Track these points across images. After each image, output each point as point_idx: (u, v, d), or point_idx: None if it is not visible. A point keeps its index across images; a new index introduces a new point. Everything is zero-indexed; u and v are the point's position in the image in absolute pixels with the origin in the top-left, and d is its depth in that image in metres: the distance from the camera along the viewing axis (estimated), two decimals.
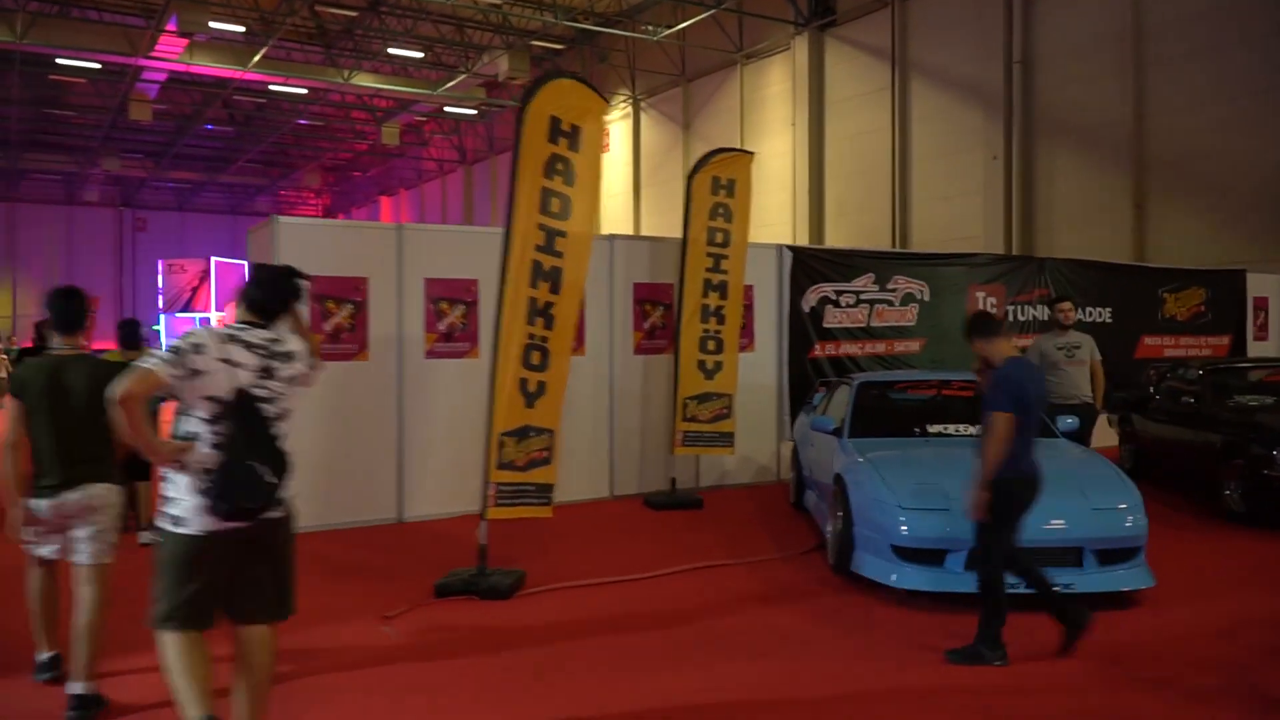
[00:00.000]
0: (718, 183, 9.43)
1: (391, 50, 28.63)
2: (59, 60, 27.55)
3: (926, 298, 11.47)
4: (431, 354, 8.64)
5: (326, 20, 28.68)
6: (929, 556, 5.84)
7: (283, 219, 8.26)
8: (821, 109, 25.01)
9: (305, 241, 8.19)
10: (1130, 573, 5.82)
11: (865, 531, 6.12)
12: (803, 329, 10.66)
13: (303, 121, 38.00)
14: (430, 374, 8.59)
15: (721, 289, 9.46)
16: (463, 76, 29.67)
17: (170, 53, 26.99)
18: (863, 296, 11.07)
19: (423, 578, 6.43)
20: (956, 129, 21.57)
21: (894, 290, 11.26)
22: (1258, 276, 14.46)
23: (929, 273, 11.57)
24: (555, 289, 6.72)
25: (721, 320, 9.47)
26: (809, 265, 10.78)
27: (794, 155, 25.42)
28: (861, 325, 11.03)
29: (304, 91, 31.63)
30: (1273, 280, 14.60)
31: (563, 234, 6.72)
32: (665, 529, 8.30)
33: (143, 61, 27.64)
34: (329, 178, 49.32)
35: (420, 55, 29.74)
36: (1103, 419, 10.98)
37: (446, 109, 33.95)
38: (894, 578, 5.89)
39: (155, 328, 30.97)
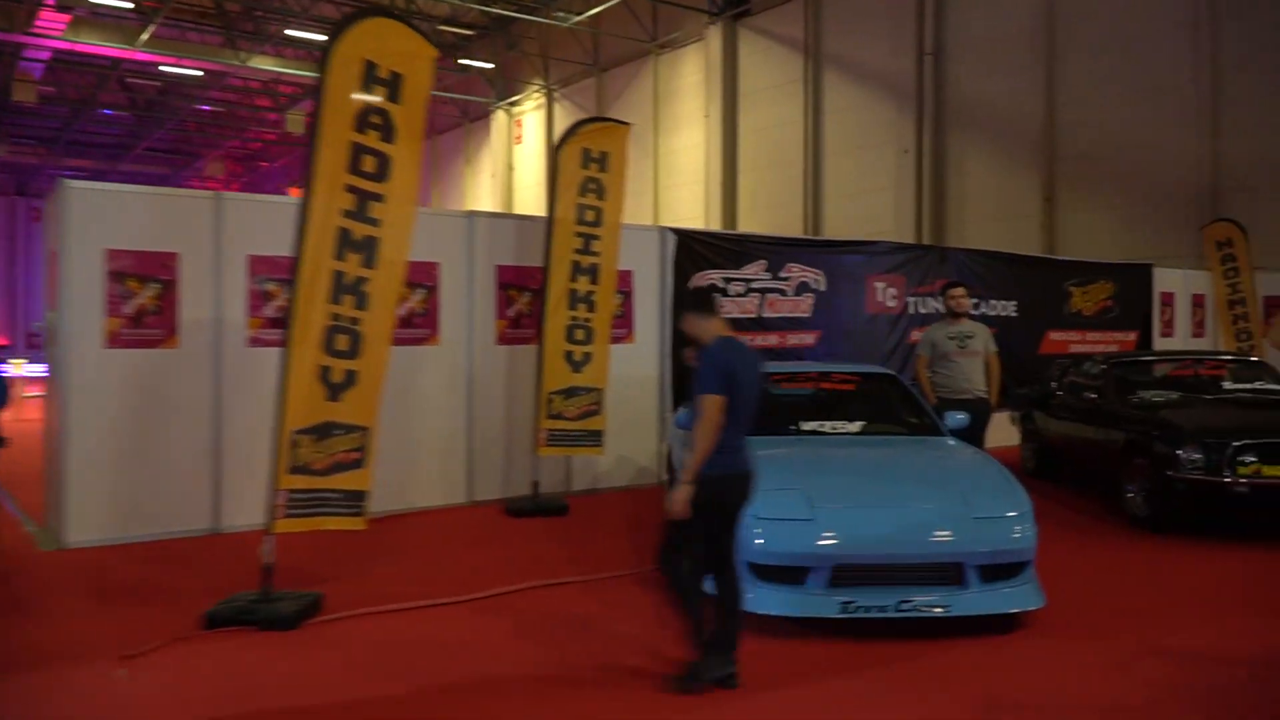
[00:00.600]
0: (588, 155, 8.53)
1: (290, 32, 27.23)
2: None
3: (823, 287, 10.72)
4: (256, 341, 7.57)
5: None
6: (788, 575, 5.00)
7: (74, 183, 7.12)
8: (735, 101, 24.36)
9: (102, 211, 7.08)
10: (1016, 591, 5.05)
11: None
12: None
13: (205, 108, 36.21)
14: (254, 364, 7.51)
15: (592, 273, 8.56)
16: None
17: (53, 29, 25.29)
18: (754, 285, 10.27)
19: (205, 602, 5.40)
20: (870, 122, 21.06)
21: (788, 279, 10.49)
22: (1165, 271, 14.07)
23: (826, 261, 10.82)
24: (369, 263, 5.75)
25: (592, 307, 8.57)
26: (695, 250, 9.94)
27: (707, 148, 24.71)
28: (752, 316, 10.23)
29: (200, 74, 30.01)
30: (1180, 275, 14.22)
31: (378, 198, 5.75)
32: (518, 539, 7.38)
33: (22, 38, 25.86)
34: (236, 168, 47.33)
35: (324, 39, 28.32)
36: (1001, 417, 10.36)
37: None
38: (749, 599, 5.03)
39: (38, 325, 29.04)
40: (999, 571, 5.03)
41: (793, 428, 6.43)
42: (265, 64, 28.63)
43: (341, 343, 5.65)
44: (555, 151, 8.48)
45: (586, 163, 8.53)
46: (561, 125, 30.32)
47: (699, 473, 4.30)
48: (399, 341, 8.17)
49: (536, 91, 30.73)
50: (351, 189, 5.64)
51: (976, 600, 4.96)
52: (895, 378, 6.93)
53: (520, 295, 8.91)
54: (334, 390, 5.63)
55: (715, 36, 24.35)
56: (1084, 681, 4.44)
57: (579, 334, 8.50)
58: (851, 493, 5.33)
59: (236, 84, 32.77)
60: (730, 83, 24.34)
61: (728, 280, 10.10)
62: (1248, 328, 13.44)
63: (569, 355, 8.47)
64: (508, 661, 4.73)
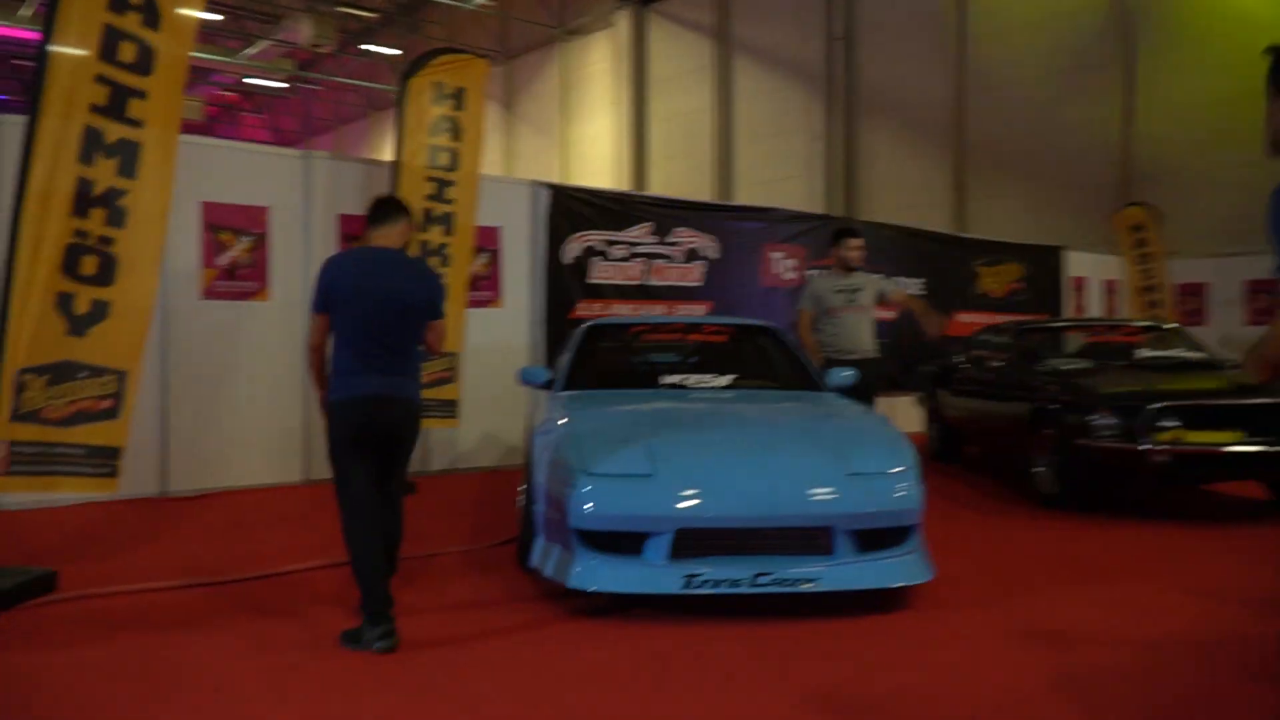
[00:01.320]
0: (441, 90, 7.54)
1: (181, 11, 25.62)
2: None
3: (715, 255, 9.88)
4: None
5: None
6: (623, 544, 4.07)
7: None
8: (644, 88, 23.60)
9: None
10: (898, 563, 4.19)
11: (547, 511, 4.32)
12: (563, 284, 8.87)
13: None
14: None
15: (446, 222, 7.56)
16: (265, 44, 26.95)
17: None
18: (638, 249, 9.37)
19: None
20: (780, 109, 20.47)
21: (676, 244, 9.62)
22: (1077, 255, 13.59)
23: (719, 227, 9.98)
24: (128, 170, 4.69)
25: (447, 261, 7.56)
26: (571, 208, 9.00)
27: (617, 136, 23.89)
28: (636, 283, 9.33)
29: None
30: (1091, 259, 13.76)
31: (139, 94, 4.70)
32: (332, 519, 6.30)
33: None
34: None
35: (219, 18, 26.85)
36: (907, 402, 9.66)
37: (249, 79, 30.99)
38: (574, 574, 4.09)
39: None
40: (879, 539, 4.17)
41: (649, 382, 5.52)
42: None
43: (87, 265, 4.57)
44: (401, 83, 7.48)
45: (439, 99, 7.53)
46: None
47: (324, 401, 4.06)
48: (219, 295, 7.17)
49: None
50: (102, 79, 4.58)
51: (850, 573, 4.09)
52: (776, 331, 6.07)
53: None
54: (77, 323, 4.55)
55: (624, 22, 23.59)
56: (971, 671, 3.60)
57: None
58: (702, 446, 4.42)
59: None
60: (639, 70, 23.58)
61: (609, 243, 9.19)
62: (1160, 314, 13.00)
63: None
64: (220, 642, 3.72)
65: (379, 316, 3.93)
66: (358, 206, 7.73)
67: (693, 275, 9.73)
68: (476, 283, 8.41)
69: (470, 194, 7.69)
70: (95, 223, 4.59)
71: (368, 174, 7.94)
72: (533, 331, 8.78)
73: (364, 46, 28.78)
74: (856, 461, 4.24)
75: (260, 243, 7.35)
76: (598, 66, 24.92)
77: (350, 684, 3.40)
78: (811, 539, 4.12)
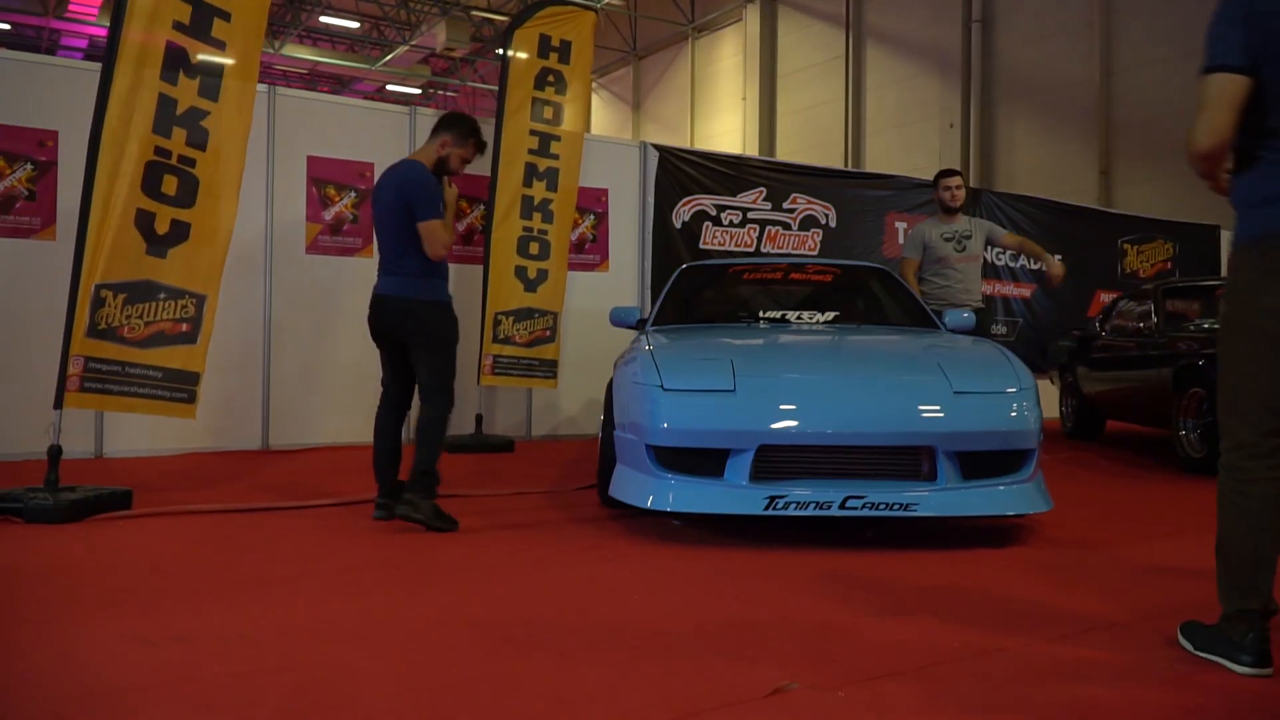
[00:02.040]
0: (547, 43, 7.39)
1: (325, 19, 26.73)
2: None
3: (833, 223, 9.42)
4: None
5: None
6: (703, 461, 3.73)
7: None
8: (773, 82, 23.18)
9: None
10: (1010, 491, 3.71)
11: (625, 435, 4.02)
12: (672, 249, 8.57)
13: None
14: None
15: (550, 178, 7.39)
16: (402, 49, 27.79)
17: (87, 14, 25.10)
18: (751, 215, 9.00)
19: None
20: (913, 97, 19.71)
21: (792, 211, 9.21)
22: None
23: (838, 194, 9.52)
24: (210, 91, 4.65)
25: (549, 218, 7.40)
26: (681, 171, 8.71)
27: (744, 132, 23.52)
28: (749, 250, 8.96)
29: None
30: None
31: None
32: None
33: (57, 24, 25.74)
34: None
35: (355, 25, 27.84)
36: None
37: (389, 87, 31.99)
38: (650, 499, 3.78)
39: None
40: (988, 464, 3.71)
41: (749, 319, 5.15)
42: (299, 52, 28.20)
43: (169, 185, 4.53)
44: (507, 35, 7.36)
45: (545, 52, 7.39)
46: (600, 117, 29.37)
47: None
48: (323, 250, 7.17)
49: None
50: None
51: (955, 499, 3.64)
52: (888, 273, 5.61)
53: (471, 208, 7.75)
54: (157, 243, 4.51)
55: (753, 16, 23.24)
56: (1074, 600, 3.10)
57: (533, 247, 7.33)
58: (790, 362, 4.05)
59: (277, 74, 32.40)
60: (769, 63, 23.19)
61: (720, 208, 8.85)
62: None
63: (521, 271, 7.29)
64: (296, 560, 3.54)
65: (379, 223, 4.29)
66: (471, 165, 7.66)
67: (809, 243, 9.29)
68: (583, 245, 8.23)
69: (575, 150, 7.50)
70: (177, 142, 4.56)
71: None
72: (641, 296, 8.51)
73: (499, 50, 29.28)
74: (963, 379, 3.78)
75: (365, 198, 7.33)
76: (726, 62, 24.65)
77: (407, 580, 3.18)
78: (911, 462, 3.69)
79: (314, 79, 32.38)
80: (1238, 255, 2.45)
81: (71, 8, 24.23)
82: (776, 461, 3.71)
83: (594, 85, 29.52)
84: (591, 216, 8.29)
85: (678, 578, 3.31)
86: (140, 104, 4.41)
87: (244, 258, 6.51)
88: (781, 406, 3.70)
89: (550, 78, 7.39)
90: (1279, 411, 2.33)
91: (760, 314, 5.09)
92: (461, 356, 7.33)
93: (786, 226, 9.18)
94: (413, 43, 26.69)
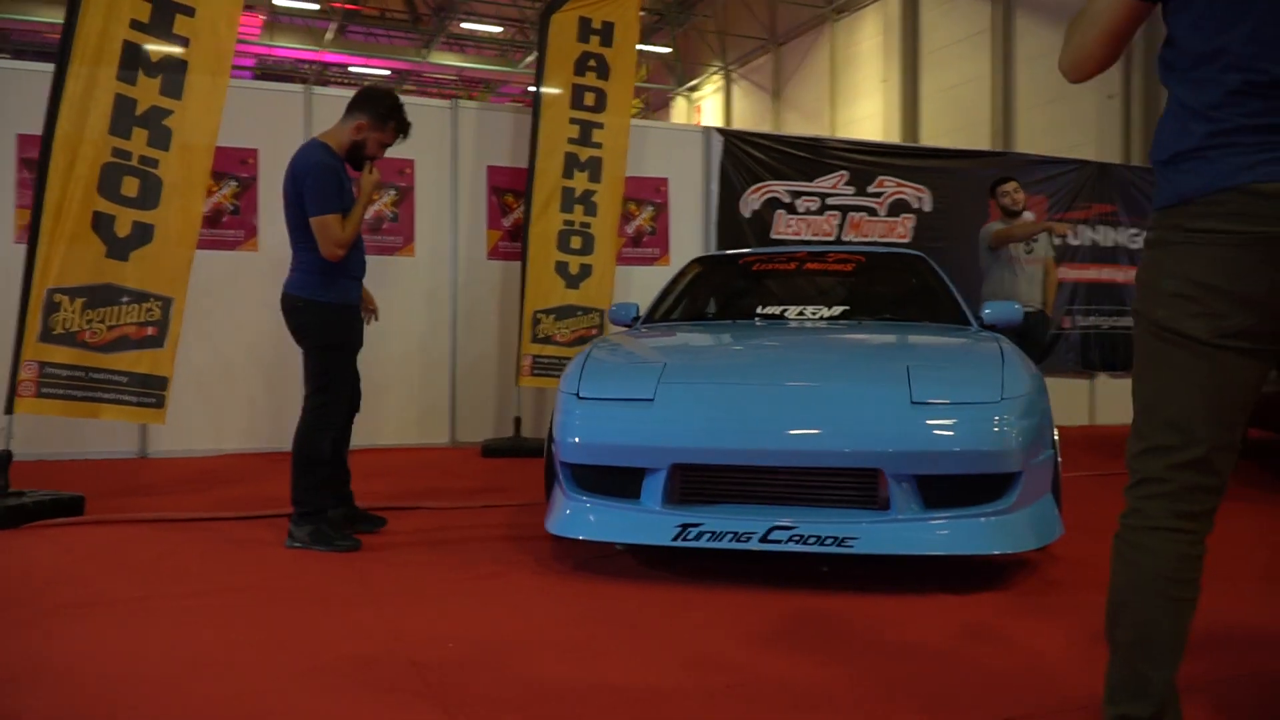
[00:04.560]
0: (588, 26, 7.02)
1: (467, 25, 27.28)
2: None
3: (928, 207, 8.63)
4: None
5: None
6: (622, 481, 3.27)
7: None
8: (916, 62, 22.00)
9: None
10: (984, 524, 3.06)
11: (555, 450, 3.59)
12: (741, 240, 8.03)
13: None
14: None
15: (593, 168, 7.02)
16: None
17: (249, 33, 26.53)
18: (831, 201, 8.35)
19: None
20: None
21: (879, 195, 8.48)
22: None
23: (934, 175, 8.70)
24: (173, 90, 4.52)
25: (592, 210, 7.03)
26: (750, 157, 8.15)
27: (885, 115, 22.44)
28: (828, 238, 8.31)
29: (387, 73, 30.71)
30: None
31: None
32: (446, 474, 5.92)
33: None
34: None
35: (499, 30, 28.29)
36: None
37: (534, 88, 32.34)
38: (559, 518, 3.36)
39: None
40: (959, 490, 3.08)
41: (744, 316, 4.61)
42: (446, 59, 28.92)
43: (129, 186, 4.43)
44: (543, 20, 7.03)
45: (585, 35, 7.02)
46: (740, 107, 28.76)
47: None
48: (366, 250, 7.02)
49: (715, 74, 29.38)
50: None
51: (906, 533, 3.03)
52: (923, 260, 4.93)
53: (519, 203, 7.48)
54: (117, 246, 4.42)
55: None
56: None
57: (574, 241, 6.98)
58: (727, 370, 3.53)
59: (429, 84, 33.37)
60: (910, 42, 22.02)
61: (795, 194, 8.24)
62: None
63: (562, 267, 6.96)
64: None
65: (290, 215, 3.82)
66: (507, 157, 7.41)
67: (899, 230, 8.54)
68: (640, 238, 7.83)
69: (620, 138, 7.10)
70: (138, 143, 4.46)
71: (516, 123, 7.56)
72: None
73: (638, 47, 29.11)
74: (928, 387, 3.15)
75: (406, 195, 7.17)
76: (867, 44, 23.59)
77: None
78: (862, 487, 3.11)
79: (461, 84, 33.15)
80: (1149, 229, 1.81)
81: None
82: (700, 483, 3.21)
83: (734, 75, 28.93)
84: (650, 208, 7.87)
85: (605, 620, 2.86)
86: (95, 105, 4.33)
87: (276, 260, 6.50)
88: (700, 419, 3.19)
89: (591, 62, 7.02)
90: (1186, 432, 1.67)
91: (759, 310, 4.54)
92: (501, 356, 7.24)
93: (872, 212, 8.47)
94: None
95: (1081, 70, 1.81)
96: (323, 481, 3.81)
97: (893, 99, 22.14)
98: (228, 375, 6.61)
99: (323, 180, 3.65)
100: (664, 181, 7.90)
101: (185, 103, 4.56)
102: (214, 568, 3.43)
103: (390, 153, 6.98)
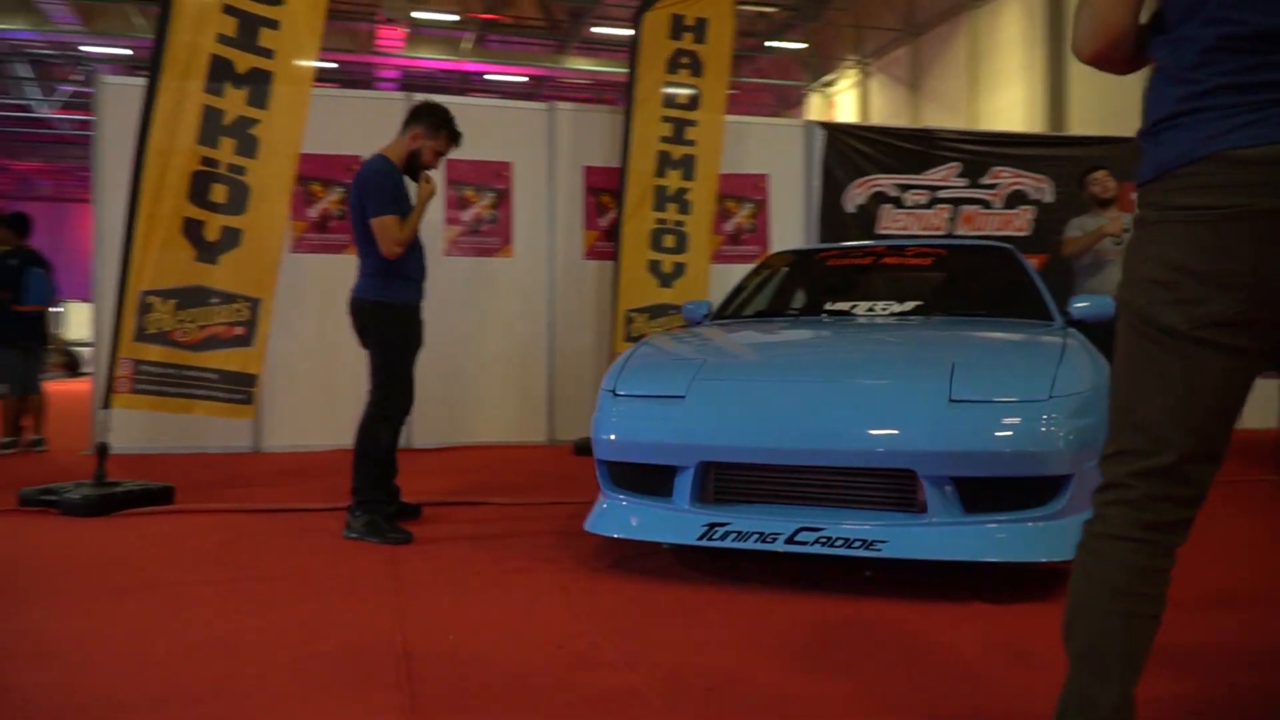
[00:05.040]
0: (680, 23, 6.98)
1: (597, 29, 27.61)
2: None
3: (1049, 198, 8.20)
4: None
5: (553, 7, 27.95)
6: (655, 479, 3.22)
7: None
8: (1061, 47, 20.95)
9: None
10: (1033, 530, 2.87)
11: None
12: (845, 237, 7.82)
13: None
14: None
15: (686, 166, 6.97)
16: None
17: (393, 46, 27.64)
18: (941, 194, 8.04)
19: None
20: None
21: (994, 187, 8.12)
22: None
23: (1058, 164, 8.25)
24: (259, 100, 4.74)
25: (686, 208, 6.98)
26: (854, 150, 7.93)
27: (1030, 105, 21.48)
28: (939, 233, 8.00)
29: (524, 79, 31.41)
30: None
31: None
32: (522, 470, 5.97)
33: (370, 58, 28.51)
34: None
35: (630, 32, 28.48)
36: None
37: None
38: (594, 515, 3.36)
39: None
40: (1003, 494, 2.90)
41: (812, 311, 4.48)
42: (582, 64, 29.35)
43: (218, 193, 4.67)
44: (636, 20, 7.03)
45: (678, 32, 6.98)
46: (877, 103, 28.08)
47: None
48: (461, 251, 7.21)
49: (850, 68, 28.80)
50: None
51: (939, 538, 2.87)
52: (1008, 253, 4.66)
53: (615, 202, 7.50)
54: (207, 250, 4.66)
55: None
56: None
57: (668, 240, 6.95)
58: (763, 366, 3.43)
59: (570, 90, 33.94)
60: (1055, 26, 21.00)
61: (903, 188, 7.98)
62: None
63: (655, 266, 6.95)
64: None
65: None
66: (603, 157, 7.45)
67: (1016, 224, 8.15)
68: (739, 235, 7.74)
69: (714, 136, 7.03)
70: (225, 151, 4.68)
71: (612, 123, 7.57)
72: None
73: (770, 44, 28.85)
74: (970, 385, 2.98)
75: (504, 198, 7.30)
76: (1008, 31, 22.63)
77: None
78: (899, 489, 2.97)
79: (598, 88, 33.58)
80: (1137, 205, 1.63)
81: (379, 42, 26.70)
82: (733, 483, 3.13)
83: (870, 69, 28.26)
84: (749, 205, 7.76)
85: (610, 620, 2.83)
86: (184, 117, 4.57)
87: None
88: (729, 417, 3.11)
89: (684, 59, 6.98)
90: (1155, 437, 1.50)
91: (827, 306, 4.40)
92: (597, 355, 7.26)
93: (986, 205, 8.11)
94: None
95: (1103, 49, 1.61)
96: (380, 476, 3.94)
97: (1037, 88, 21.18)
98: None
99: (381, 185, 3.89)
100: (763, 178, 7.79)
101: (271, 112, 4.77)
102: (262, 556, 3.57)
103: (488, 156, 7.22)
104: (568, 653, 2.47)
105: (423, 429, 7.11)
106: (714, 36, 7.05)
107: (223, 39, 4.65)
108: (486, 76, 30.65)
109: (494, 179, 7.25)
